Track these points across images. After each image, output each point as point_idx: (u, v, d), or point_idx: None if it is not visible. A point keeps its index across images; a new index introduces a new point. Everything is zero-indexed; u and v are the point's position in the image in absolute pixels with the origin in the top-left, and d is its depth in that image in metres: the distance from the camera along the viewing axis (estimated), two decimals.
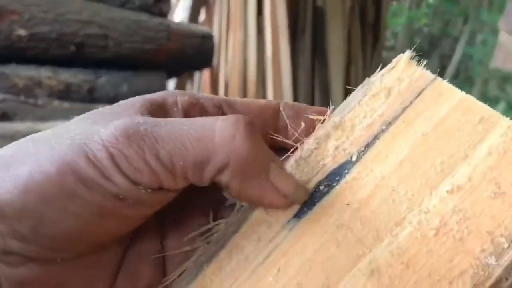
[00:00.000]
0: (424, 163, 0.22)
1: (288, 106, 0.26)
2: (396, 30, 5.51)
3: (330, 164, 0.24)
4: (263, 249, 0.22)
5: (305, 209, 0.23)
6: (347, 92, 0.26)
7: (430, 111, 0.23)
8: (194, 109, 0.24)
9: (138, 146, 0.19)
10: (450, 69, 5.70)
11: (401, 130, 0.23)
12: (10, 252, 0.21)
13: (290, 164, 0.24)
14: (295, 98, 2.78)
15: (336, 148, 0.24)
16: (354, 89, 0.26)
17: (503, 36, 2.15)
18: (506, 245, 0.19)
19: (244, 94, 2.73)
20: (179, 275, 0.24)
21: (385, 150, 0.23)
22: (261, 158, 0.22)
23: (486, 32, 4.83)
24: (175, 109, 0.24)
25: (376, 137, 0.23)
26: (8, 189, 0.19)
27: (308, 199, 0.23)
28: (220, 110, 0.25)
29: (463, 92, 0.24)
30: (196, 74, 2.93)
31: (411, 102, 0.23)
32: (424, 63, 0.25)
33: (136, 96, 0.24)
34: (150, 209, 0.23)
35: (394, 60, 0.25)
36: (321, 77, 3.00)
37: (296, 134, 0.25)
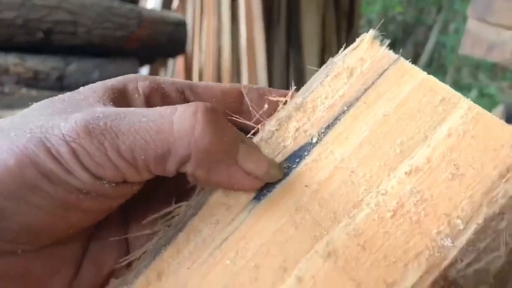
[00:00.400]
0: (383, 145, 0.21)
1: (252, 89, 0.26)
2: (370, 17, 5.54)
3: (291, 146, 0.23)
4: (221, 232, 0.22)
5: (265, 191, 0.22)
6: None
7: (392, 91, 0.22)
8: (155, 94, 0.24)
9: (98, 142, 0.19)
10: (424, 57, 5.76)
11: (362, 111, 0.23)
12: None
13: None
14: (270, 86, 2.78)
15: (297, 129, 0.23)
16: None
17: (471, 23, 2.18)
18: (462, 227, 0.19)
19: (219, 82, 2.72)
20: (139, 257, 0.24)
21: (346, 131, 0.22)
22: (226, 144, 0.21)
23: (459, 20, 4.90)
24: (136, 95, 0.23)
25: (337, 118, 0.23)
26: None
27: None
28: (182, 94, 0.25)
29: (425, 73, 0.23)
30: (170, 62, 2.90)
31: (373, 83, 0.23)
32: (387, 48, 0.25)
33: (97, 82, 0.23)
34: (114, 202, 0.22)
35: (358, 40, 0.25)
36: (296, 65, 3.00)
37: (258, 115, 0.25)
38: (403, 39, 5.51)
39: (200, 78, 2.77)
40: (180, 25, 1.77)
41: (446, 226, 0.19)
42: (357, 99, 0.23)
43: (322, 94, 0.24)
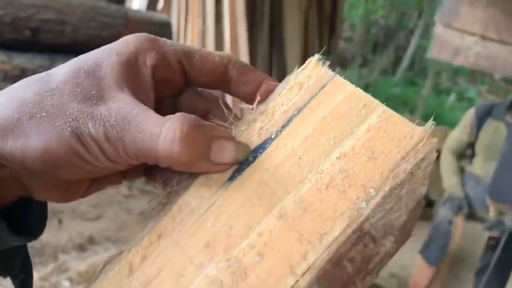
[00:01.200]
0: (322, 138, 0.29)
1: (235, 66, 0.33)
2: (354, 21, 5.60)
3: (256, 140, 0.30)
4: (204, 203, 0.29)
5: (236, 174, 0.29)
6: None
7: (329, 100, 0.30)
8: (160, 65, 0.31)
9: (114, 147, 0.27)
10: (405, 61, 5.86)
11: (308, 114, 0.30)
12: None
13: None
14: None
15: (261, 128, 0.31)
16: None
17: (438, 29, 2.28)
18: (374, 194, 0.26)
19: None
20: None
21: (296, 129, 0.30)
22: (199, 155, 0.28)
23: None
24: (145, 69, 0.30)
25: (289, 120, 0.30)
26: (30, 158, 0.27)
27: (239, 167, 0.30)
28: (181, 64, 0.32)
29: (354, 85, 0.31)
30: None
31: (316, 94, 0.31)
32: (328, 63, 0.32)
33: (113, 53, 0.30)
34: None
35: (307, 62, 0.32)
36: (279, 65, 3.05)
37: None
38: (385, 43, 5.61)
39: None
40: (166, 26, 1.81)
41: (363, 193, 0.27)
42: (305, 105, 0.30)
43: (279, 102, 0.31)
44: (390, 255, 0.27)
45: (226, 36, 2.73)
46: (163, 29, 1.78)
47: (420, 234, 2.59)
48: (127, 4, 2.79)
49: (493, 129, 2.26)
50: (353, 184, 0.27)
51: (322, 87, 0.31)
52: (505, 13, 2.17)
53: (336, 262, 0.26)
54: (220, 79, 0.33)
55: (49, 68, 0.27)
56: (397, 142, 0.28)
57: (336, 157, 0.28)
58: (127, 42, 0.30)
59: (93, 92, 0.28)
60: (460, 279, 2.30)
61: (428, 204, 3.79)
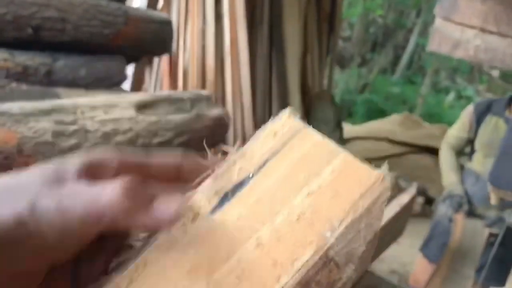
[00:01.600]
0: (293, 178, 0.34)
1: (189, 165, 0.35)
2: (352, 21, 5.61)
3: (235, 179, 0.35)
4: (188, 234, 0.32)
5: (217, 209, 0.33)
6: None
7: (300, 146, 0.35)
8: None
9: (63, 216, 0.28)
10: (404, 59, 5.87)
11: (282, 157, 0.35)
12: None
13: (210, 180, 0.35)
14: (253, 86, 2.83)
15: (240, 169, 0.35)
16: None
17: (438, 22, 2.29)
18: (337, 225, 0.31)
19: (203, 81, 2.76)
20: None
21: (271, 170, 0.35)
22: (140, 205, 0.30)
23: None
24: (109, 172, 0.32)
25: (266, 162, 0.35)
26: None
27: (220, 202, 0.34)
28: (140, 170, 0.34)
29: (320, 135, 0.36)
30: (156, 61, 2.93)
31: (288, 140, 0.36)
32: (299, 118, 0.37)
33: (80, 163, 0.31)
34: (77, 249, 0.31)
35: (280, 114, 0.38)
36: (278, 65, 3.06)
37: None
38: (384, 42, 5.61)
39: (185, 77, 2.81)
40: (165, 24, 1.81)
41: (328, 225, 0.31)
42: (279, 150, 0.35)
43: (257, 147, 0.36)
44: (351, 280, 0.32)
45: (226, 36, 2.74)
46: (163, 26, 1.78)
47: (420, 231, 2.60)
48: (127, 3, 2.80)
49: (493, 125, 2.27)
50: (321, 218, 0.32)
51: (294, 135, 0.36)
52: (504, 5, 2.19)
53: (305, 284, 0.29)
54: (176, 175, 0.35)
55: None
56: (357, 183, 0.33)
57: (306, 194, 0.33)
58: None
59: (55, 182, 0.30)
60: (461, 276, 2.31)
61: (428, 201, 3.80)
